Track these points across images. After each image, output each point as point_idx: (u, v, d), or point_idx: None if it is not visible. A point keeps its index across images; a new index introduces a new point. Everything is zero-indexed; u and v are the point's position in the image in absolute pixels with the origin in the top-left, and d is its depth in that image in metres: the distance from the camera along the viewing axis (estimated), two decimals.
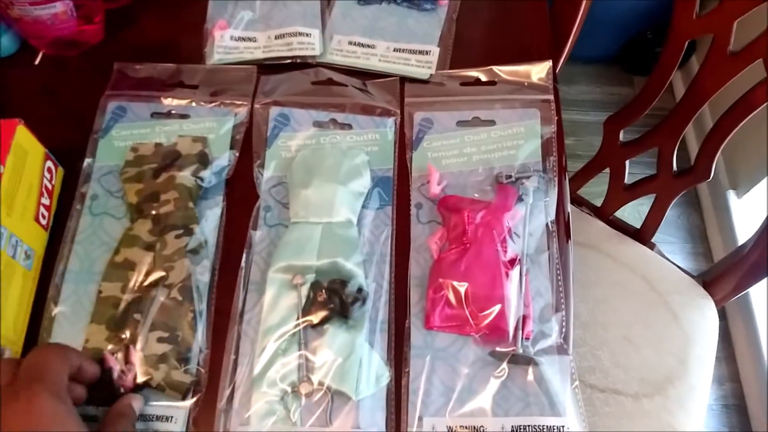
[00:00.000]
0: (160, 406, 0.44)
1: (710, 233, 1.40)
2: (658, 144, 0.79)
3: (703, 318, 0.83)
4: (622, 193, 0.86)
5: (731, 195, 1.34)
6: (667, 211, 0.83)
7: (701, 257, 1.38)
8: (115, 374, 0.44)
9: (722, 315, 1.31)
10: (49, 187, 0.50)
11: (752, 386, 1.22)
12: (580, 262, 0.85)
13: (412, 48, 0.58)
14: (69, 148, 0.53)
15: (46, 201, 0.50)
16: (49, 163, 0.50)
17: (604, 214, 0.91)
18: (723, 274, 0.84)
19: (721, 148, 0.73)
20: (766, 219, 0.74)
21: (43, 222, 0.49)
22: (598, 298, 0.83)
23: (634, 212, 1.05)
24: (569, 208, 0.53)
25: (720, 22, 0.65)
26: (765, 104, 0.66)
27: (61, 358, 0.39)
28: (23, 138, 0.47)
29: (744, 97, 0.68)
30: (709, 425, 1.22)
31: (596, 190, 0.92)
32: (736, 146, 1.34)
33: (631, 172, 0.84)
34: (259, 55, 0.57)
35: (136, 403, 0.42)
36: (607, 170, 0.87)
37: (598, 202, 0.92)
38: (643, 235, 0.89)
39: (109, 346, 0.45)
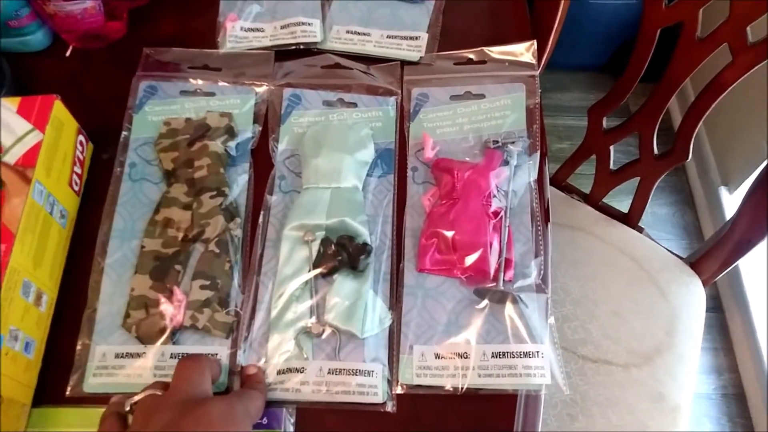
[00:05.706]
0: (204, 346, 0.49)
1: (704, 229, 1.44)
2: (638, 129, 0.84)
3: (689, 294, 0.87)
4: (608, 178, 0.91)
5: (723, 191, 1.39)
6: (651, 193, 0.88)
7: None
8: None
9: (719, 308, 1.35)
10: (81, 158, 0.56)
11: (750, 376, 1.25)
12: (570, 243, 0.90)
13: (403, 35, 0.65)
14: (96, 129, 0.59)
15: (78, 170, 0.56)
16: (80, 137, 0.56)
17: (593, 200, 0.96)
18: (708, 253, 0.88)
19: (698, 128, 0.77)
20: (745, 196, 0.78)
21: (75, 188, 0.55)
22: (588, 275, 0.87)
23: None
24: (549, 193, 0.58)
25: (686, 11, 0.71)
26: (733, 84, 0.72)
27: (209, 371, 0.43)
28: (60, 112, 0.53)
29: (715, 79, 0.73)
30: (710, 413, 1.25)
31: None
32: (726, 144, 1.39)
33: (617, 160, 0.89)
34: (266, 43, 0.64)
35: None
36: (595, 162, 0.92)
37: None
38: (630, 218, 0.94)
39: (153, 294, 0.50)
